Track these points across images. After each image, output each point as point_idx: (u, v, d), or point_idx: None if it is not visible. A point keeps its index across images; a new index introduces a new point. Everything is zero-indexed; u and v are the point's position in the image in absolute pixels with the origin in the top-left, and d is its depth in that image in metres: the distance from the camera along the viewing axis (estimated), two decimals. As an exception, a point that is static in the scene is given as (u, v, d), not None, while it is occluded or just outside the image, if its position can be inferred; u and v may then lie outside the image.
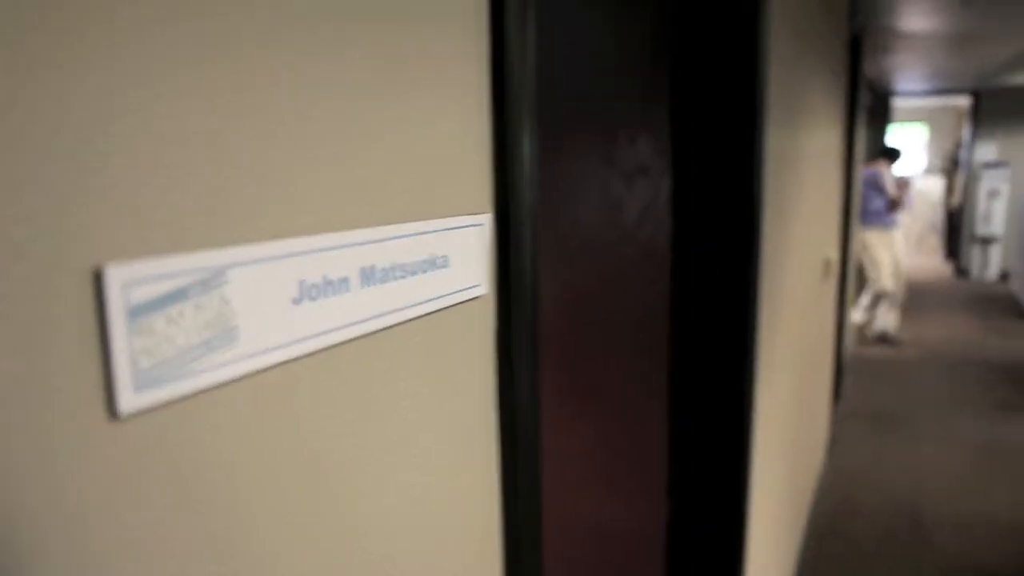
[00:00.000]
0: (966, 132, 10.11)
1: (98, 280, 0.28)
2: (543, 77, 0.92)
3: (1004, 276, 9.25)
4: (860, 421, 4.79)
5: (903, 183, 6.12)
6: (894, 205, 6.04)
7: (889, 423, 4.76)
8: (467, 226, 0.49)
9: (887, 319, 6.41)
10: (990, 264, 9.62)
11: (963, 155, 10.25)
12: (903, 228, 6.59)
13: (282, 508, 0.39)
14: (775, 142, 1.82)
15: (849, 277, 5.36)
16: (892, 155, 6.31)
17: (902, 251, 6.33)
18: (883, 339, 6.39)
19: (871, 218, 6.15)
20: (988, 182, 9.39)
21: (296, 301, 0.36)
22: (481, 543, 0.59)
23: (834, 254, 3.90)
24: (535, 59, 0.57)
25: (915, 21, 4.91)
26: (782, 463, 2.42)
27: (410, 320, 0.46)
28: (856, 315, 6.41)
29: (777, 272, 2.00)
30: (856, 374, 5.77)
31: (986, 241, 9.59)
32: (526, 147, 0.54)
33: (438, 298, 0.47)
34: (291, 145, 0.37)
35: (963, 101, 10.35)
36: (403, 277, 0.43)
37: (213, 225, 0.33)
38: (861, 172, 6.46)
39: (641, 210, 1.32)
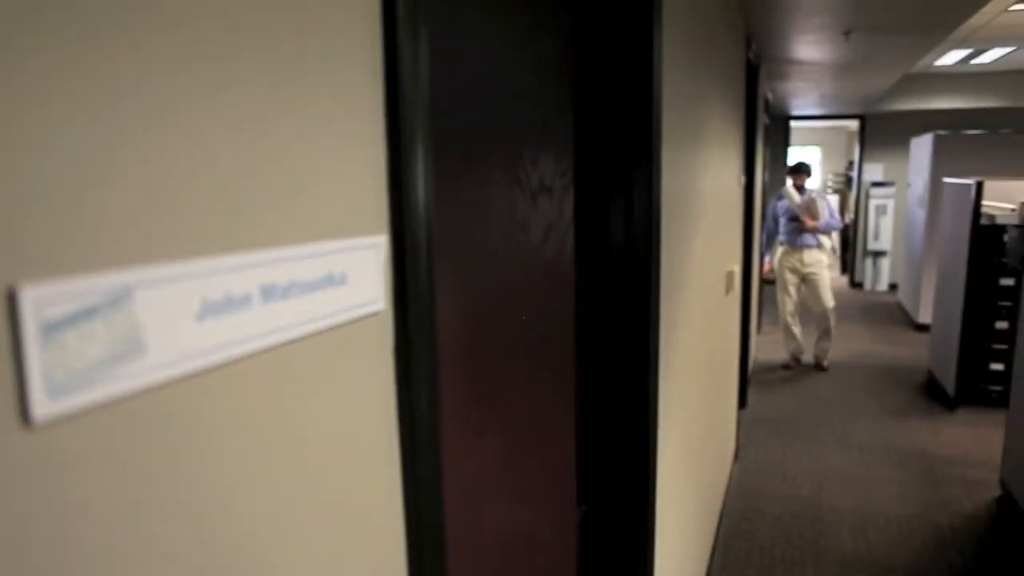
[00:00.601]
0: (856, 154, 10.81)
1: (12, 299, 0.31)
2: (448, 102, 0.97)
3: (893, 287, 9.91)
4: (765, 427, 5.03)
5: (808, 202, 6.05)
6: (802, 224, 6.03)
7: (791, 429, 5.02)
8: (364, 246, 0.53)
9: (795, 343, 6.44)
10: (881, 277, 10.29)
11: (855, 175, 10.95)
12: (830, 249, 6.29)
13: (188, 514, 0.42)
14: (673, 159, 1.93)
15: (752, 289, 5.63)
16: (795, 171, 6.26)
17: (815, 270, 6.13)
18: (787, 366, 6.44)
19: (782, 237, 6.22)
20: (876, 200, 10.08)
21: (200, 317, 0.39)
22: (384, 552, 0.62)
23: (737, 267, 4.11)
24: (429, 86, 0.62)
25: (805, 51, 5.26)
26: (691, 467, 2.54)
27: (311, 335, 0.49)
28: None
29: (678, 284, 2.11)
30: (759, 382, 6.06)
31: (877, 255, 10.27)
32: (420, 171, 0.59)
33: (337, 314, 0.51)
34: (194, 171, 0.40)
35: (853, 124, 11.08)
36: (303, 294, 0.47)
37: (121, 247, 0.36)
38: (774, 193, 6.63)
39: (546, 228, 1.39)
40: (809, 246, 6.12)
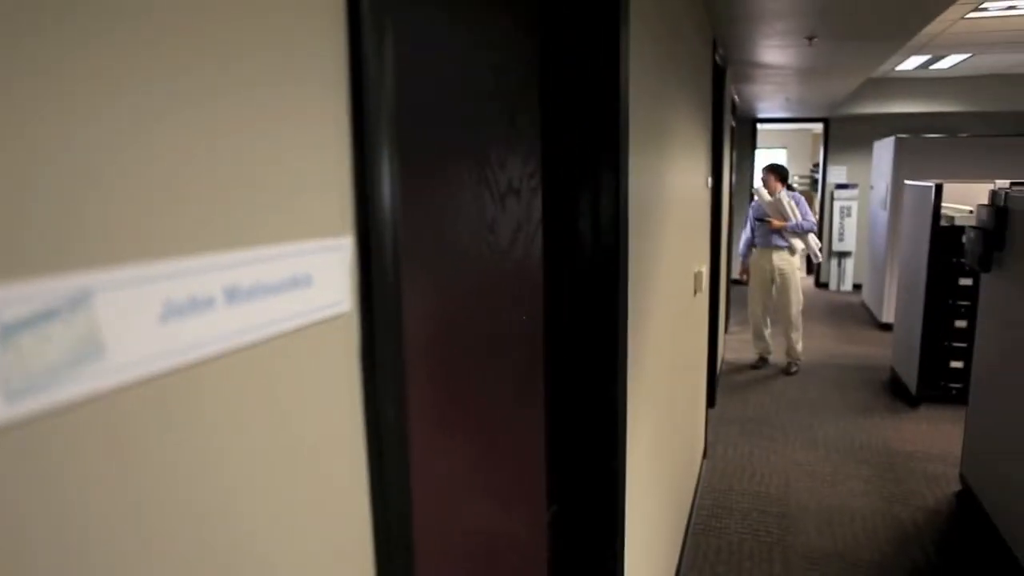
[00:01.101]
0: (821, 156, 11.01)
1: (-33, 302, 0.31)
2: (415, 102, 0.97)
3: (858, 287, 10.11)
4: (733, 426, 5.10)
5: (776, 201, 6.08)
6: (770, 224, 6.09)
7: (759, 427, 5.09)
8: (329, 247, 0.53)
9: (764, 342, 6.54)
10: (846, 277, 10.50)
11: (819, 177, 11.15)
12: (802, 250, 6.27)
13: (150, 519, 0.41)
14: (641, 160, 1.96)
15: (721, 290, 5.70)
16: (766, 170, 6.28)
17: (784, 272, 6.14)
18: (755, 365, 6.55)
19: (755, 239, 6.26)
20: (840, 202, 10.27)
21: (163, 319, 0.39)
22: (352, 556, 0.62)
23: (705, 268, 4.16)
24: (395, 86, 0.62)
25: (770, 55, 5.34)
26: (660, 465, 2.56)
27: (276, 337, 0.49)
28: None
29: (646, 285, 2.13)
30: (728, 381, 6.14)
31: (841, 256, 10.47)
32: (386, 172, 0.59)
33: (302, 315, 0.51)
34: (155, 173, 0.40)
35: (817, 127, 11.28)
36: (267, 296, 0.47)
37: (81, 248, 0.35)
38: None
39: (514, 229, 1.40)
40: (779, 247, 6.14)
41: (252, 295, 0.46)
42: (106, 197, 0.37)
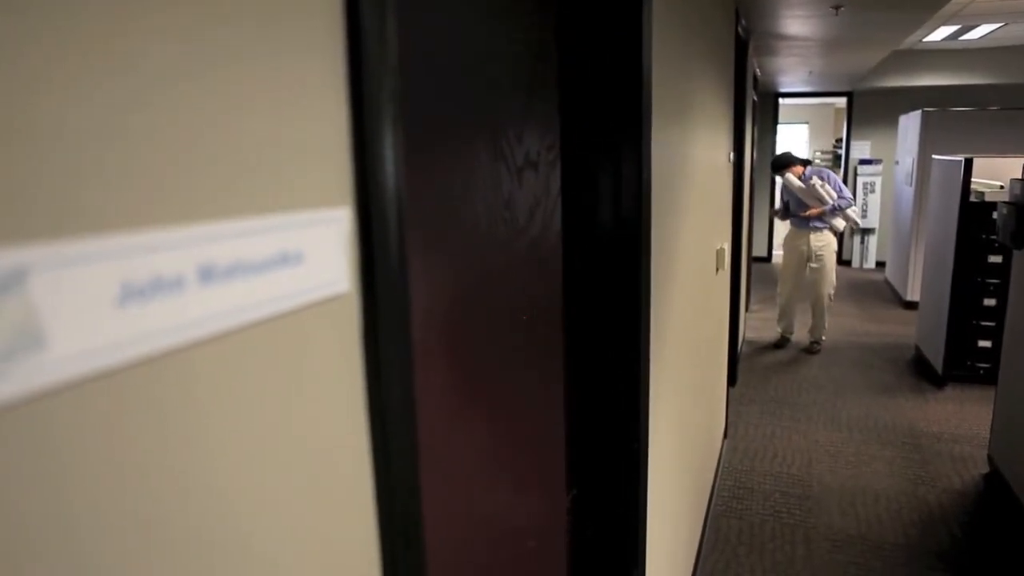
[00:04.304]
0: (844, 131, 10.77)
1: None
2: (425, 72, 0.91)
3: (881, 264, 9.92)
4: (754, 405, 5.03)
5: (809, 187, 5.94)
6: (808, 210, 5.99)
7: (780, 407, 5.01)
8: (322, 220, 0.47)
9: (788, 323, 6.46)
10: (869, 254, 10.31)
11: (842, 152, 10.92)
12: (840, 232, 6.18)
13: (115, 528, 0.36)
14: (663, 133, 1.88)
15: (742, 267, 5.59)
16: (782, 170, 6.16)
17: (821, 253, 6.05)
18: (777, 344, 6.44)
19: (791, 221, 6.18)
20: (864, 178, 10.06)
21: (120, 303, 0.33)
22: (356, 547, 0.57)
23: (727, 245, 4.06)
24: (397, 50, 0.56)
25: (794, 26, 5.18)
26: (682, 446, 2.50)
27: (261, 321, 0.43)
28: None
29: (668, 263, 2.06)
30: (749, 360, 6.05)
31: (865, 233, 10.27)
32: (388, 140, 0.53)
33: (292, 297, 0.45)
34: (113, 130, 0.34)
35: (840, 102, 11.02)
36: (250, 275, 0.41)
37: (12, 219, 0.30)
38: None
39: (531, 204, 1.33)
40: (817, 228, 6.02)
41: (232, 274, 0.40)
42: (45, 158, 0.31)
